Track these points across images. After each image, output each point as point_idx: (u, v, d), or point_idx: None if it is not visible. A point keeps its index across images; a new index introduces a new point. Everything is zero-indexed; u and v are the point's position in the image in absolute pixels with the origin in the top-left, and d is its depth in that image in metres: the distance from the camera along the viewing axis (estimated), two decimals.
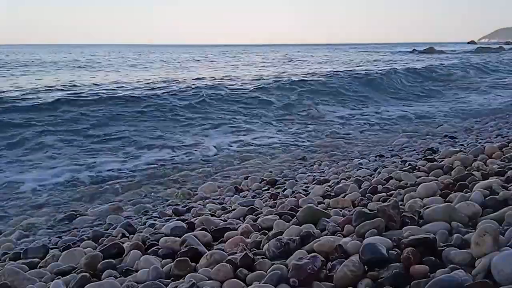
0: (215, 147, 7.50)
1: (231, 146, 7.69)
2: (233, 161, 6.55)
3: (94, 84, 14.69)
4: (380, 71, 18.16)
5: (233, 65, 28.20)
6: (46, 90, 12.74)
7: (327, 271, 1.99)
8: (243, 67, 25.85)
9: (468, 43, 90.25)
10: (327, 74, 17.05)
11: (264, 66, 26.51)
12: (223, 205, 4.09)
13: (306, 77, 16.37)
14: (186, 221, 3.25)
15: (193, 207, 4.07)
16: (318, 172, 5.28)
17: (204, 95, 12.07)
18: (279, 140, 8.10)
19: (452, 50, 49.80)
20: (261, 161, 6.38)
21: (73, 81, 15.64)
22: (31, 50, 68.11)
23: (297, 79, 15.30)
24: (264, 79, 16.17)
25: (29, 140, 7.64)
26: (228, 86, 13.94)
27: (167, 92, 12.41)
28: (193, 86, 13.52)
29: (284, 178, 5.06)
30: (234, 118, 10.20)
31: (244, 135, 8.64)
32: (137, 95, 11.69)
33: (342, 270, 1.90)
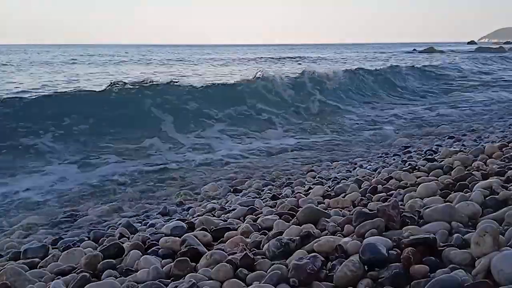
0: None
1: None
2: None
3: None
4: None
5: None
6: None
7: (327, 271, 1.99)
8: None
9: (468, 43, 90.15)
10: None
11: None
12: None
13: None
14: (186, 221, 3.25)
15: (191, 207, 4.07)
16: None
17: None
18: None
19: (451, 50, 49.69)
20: None
21: None
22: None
23: None
24: None
25: None
26: None
27: None
28: None
29: None
30: None
31: None
32: None
33: (342, 270, 1.90)
